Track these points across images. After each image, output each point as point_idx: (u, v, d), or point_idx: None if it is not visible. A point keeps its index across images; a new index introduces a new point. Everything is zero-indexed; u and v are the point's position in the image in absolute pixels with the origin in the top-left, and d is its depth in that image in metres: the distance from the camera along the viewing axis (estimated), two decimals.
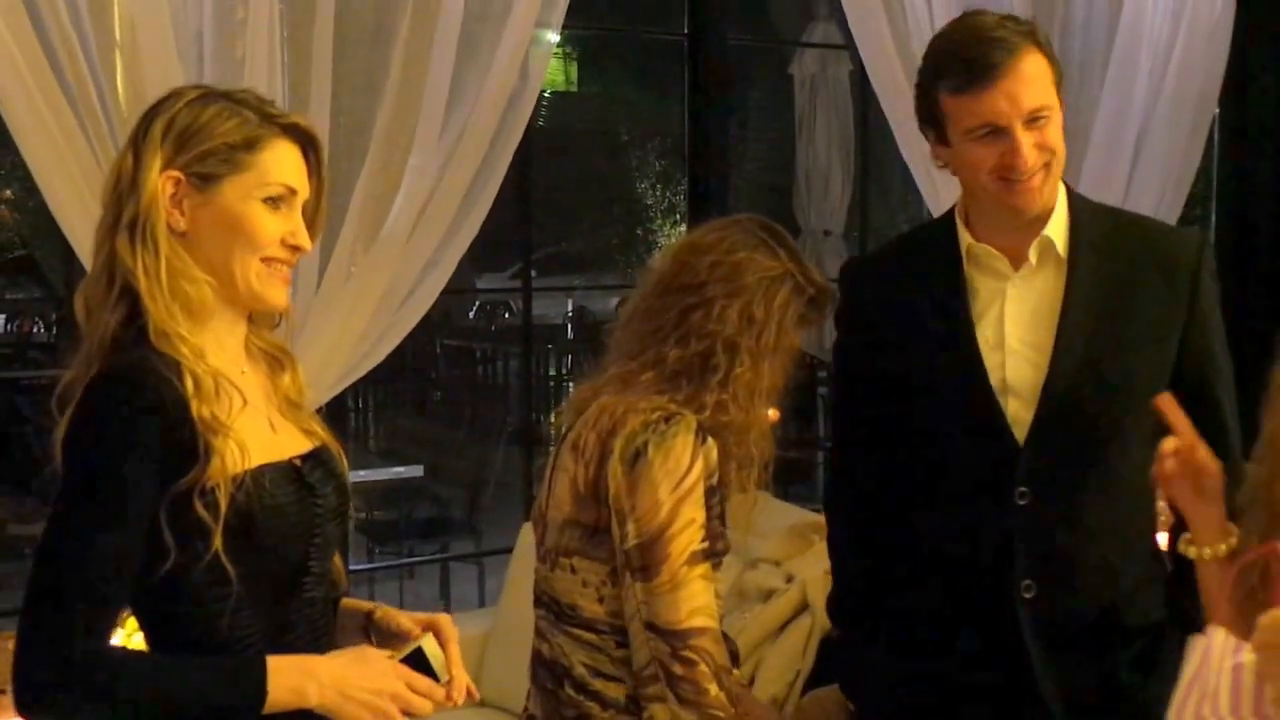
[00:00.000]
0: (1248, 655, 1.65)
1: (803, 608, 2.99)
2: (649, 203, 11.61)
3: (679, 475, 1.97)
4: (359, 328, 3.35)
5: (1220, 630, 1.73)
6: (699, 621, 1.98)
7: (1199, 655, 1.72)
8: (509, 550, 3.95)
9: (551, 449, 2.22)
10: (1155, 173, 4.31)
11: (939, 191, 4.02)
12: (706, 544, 2.00)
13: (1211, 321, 2.16)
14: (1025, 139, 2.02)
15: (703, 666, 1.98)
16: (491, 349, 9.33)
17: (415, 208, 3.38)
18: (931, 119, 2.11)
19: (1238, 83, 4.41)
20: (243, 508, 1.61)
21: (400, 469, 6.07)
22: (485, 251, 3.72)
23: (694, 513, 1.98)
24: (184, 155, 1.66)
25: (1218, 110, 4.48)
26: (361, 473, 5.84)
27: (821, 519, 2.83)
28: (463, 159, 3.43)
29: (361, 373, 3.44)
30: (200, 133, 1.67)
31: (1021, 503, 2.09)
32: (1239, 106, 4.55)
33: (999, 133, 2.03)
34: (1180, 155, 4.37)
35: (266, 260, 1.70)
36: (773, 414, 2.12)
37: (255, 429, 1.68)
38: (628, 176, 11.85)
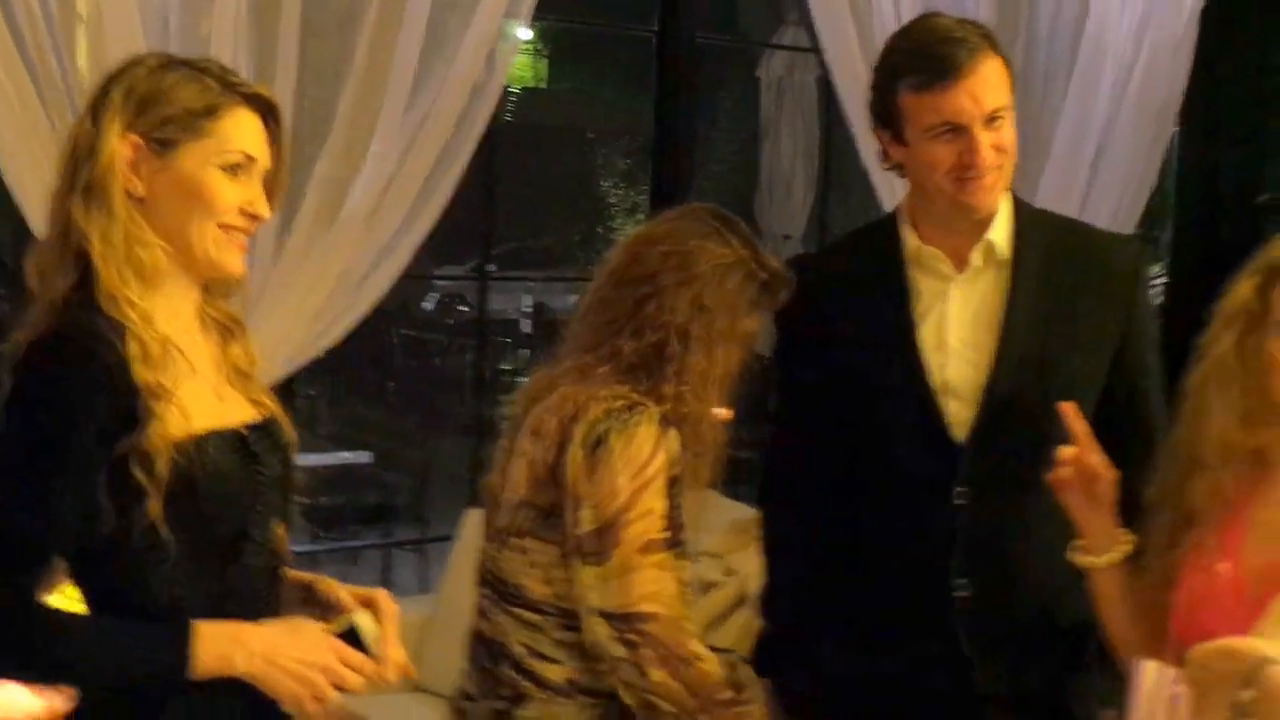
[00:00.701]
0: (1182, 686, 1.68)
1: (741, 600, 3.02)
2: (612, 201, 11.64)
3: (639, 464, 1.97)
4: (314, 308, 3.35)
5: (1150, 664, 1.75)
6: (649, 607, 1.98)
7: (1136, 688, 1.75)
8: (450, 538, 3.95)
9: (504, 435, 2.21)
10: (1113, 185, 4.36)
11: (899, 198, 4.05)
12: (668, 534, 2.00)
13: (1147, 328, 2.20)
14: (984, 139, 2.05)
15: (645, 650, 1.98)
16: (448, 341, 9.31)
17: (375, 193, 3.39)
18: (888, 118, 2.13)
19: (1198, 98, 4.46)
20: (184, 473, 1.61)
21: (348, 454, 6.06)
22: (445, 245, 3.73)
23: (654, 502, 1.98)
24: (144, 120, 1.66)
25: (1177, 126, 4.53)
26: (310, 457, 5.83)
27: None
28: (424, 147, 3.43)
29: (315, 353, 3.44)
30: (161, 98, 1.67)
31: (960, 502, 2.12)
32: (1199, 121, 4.61)
33: (958, 131, 2.06)
34: (1138, 169, 4.43)
35: (224, 227, 1.70)
36: (725, 413, 2.12)
37: (202, 396, 1.68)
38: (593, 174, 11.87)
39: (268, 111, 1.75)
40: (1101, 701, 2.13)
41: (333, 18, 3.33)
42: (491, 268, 6.85)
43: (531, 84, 12.49)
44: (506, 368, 8.58)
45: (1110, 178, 4.39)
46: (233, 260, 1.72)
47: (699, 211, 2.16)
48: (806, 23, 5.56)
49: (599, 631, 2.00)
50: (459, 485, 5.98)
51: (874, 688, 2.19)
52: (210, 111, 1.68)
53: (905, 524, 2.17)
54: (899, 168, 2.19)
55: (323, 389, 8.05)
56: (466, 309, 9.97)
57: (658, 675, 1.99)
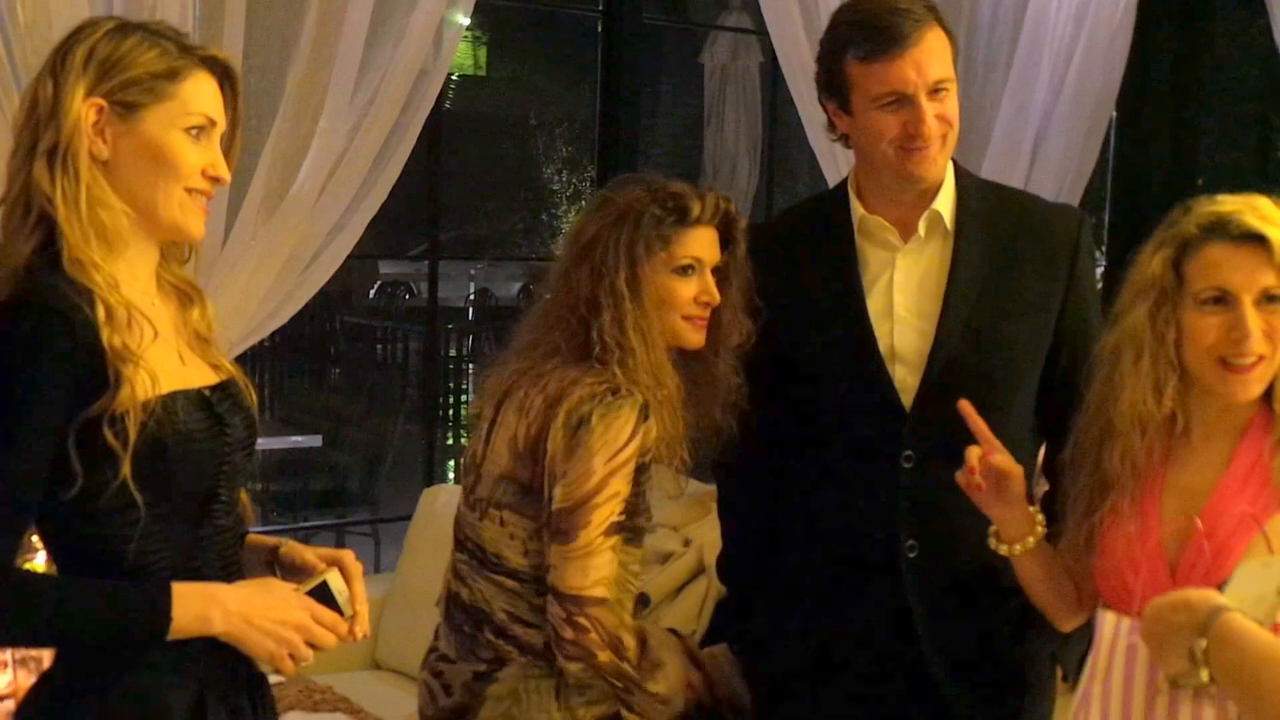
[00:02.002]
0: (1139, 637, 1.73)
1: (699, 571, 3.07)
2: (555, 188, 11.65)
3: (616, 447, 2.02)
4: (264, 287, 3.34)
5: (1108, 615, 1.79)
6: (599, 592, 2.04)
7: (1096, 638, 1.80)
8: (405, 518, 3.96)
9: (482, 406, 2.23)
10: (1052, 171, 4.44)
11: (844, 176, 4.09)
12: (624, 517, 2.06)
13: (1088, 293, 2.25)
14: (929, 108, 2.09)
15: (594, 635, 2.04)
16: (392, 328, 9.32)
17: (324, 170, 3.38)
18: (835, 88, 2.17)
19: (1135, 86, 4.54)
20: (153, 434, 1.62)
21: (299, 438, 6.05)
22: (386, 234, 3.73)
23: (620, 485, 2.04)
24: (106, 83, 1.66)
25: (1114, 112, 4.61)
26: (261, 441, 5.81)
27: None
28: (374, 124, 3.43)
29: (265, 333, 3.43)
30: (122, 61, 1.67)
31: (907, 466, 2.17)
32: (1135, 109, 4.69)
33: (904, 101, 2.10)
34: (1076, 155, 4.50)
35: (189, 190, 1.71)
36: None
37: (165, 359, 1.68)
38: (534, 161, 11.88)
39: (223, 74, 1.75)
40: (1052, 658, 2.17)
41: None
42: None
43: (471, 71, 12.45)
44: (452, 353, 8.58)
45: (1049, 165, 4.47)
46: (196, 223, 1.73)
47: (602, 191, 2.22)
48: (750, 7, 5.62)
49: (554, 611, 2.06)
50: (408, 468, 5.98)
51: (826, 648, 2.24)
52: (172, 74, 1.69)
53: (855, 488, 2.21)
54: (845, 139, 2.23)
55: (270, 374, 8.00)
56: (409, 297, 9.98)
57: (605, 657, 2.06)
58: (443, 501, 3.70)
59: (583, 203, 9.97)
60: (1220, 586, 1.75)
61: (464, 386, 8.17)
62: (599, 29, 4.46)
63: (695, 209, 2.13)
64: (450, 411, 7.65)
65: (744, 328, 2.19)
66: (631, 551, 2.12)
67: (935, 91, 2.11)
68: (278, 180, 3.32)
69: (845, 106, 2.17)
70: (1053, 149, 4.48)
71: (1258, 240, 1.86)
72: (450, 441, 7.34)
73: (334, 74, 3.33)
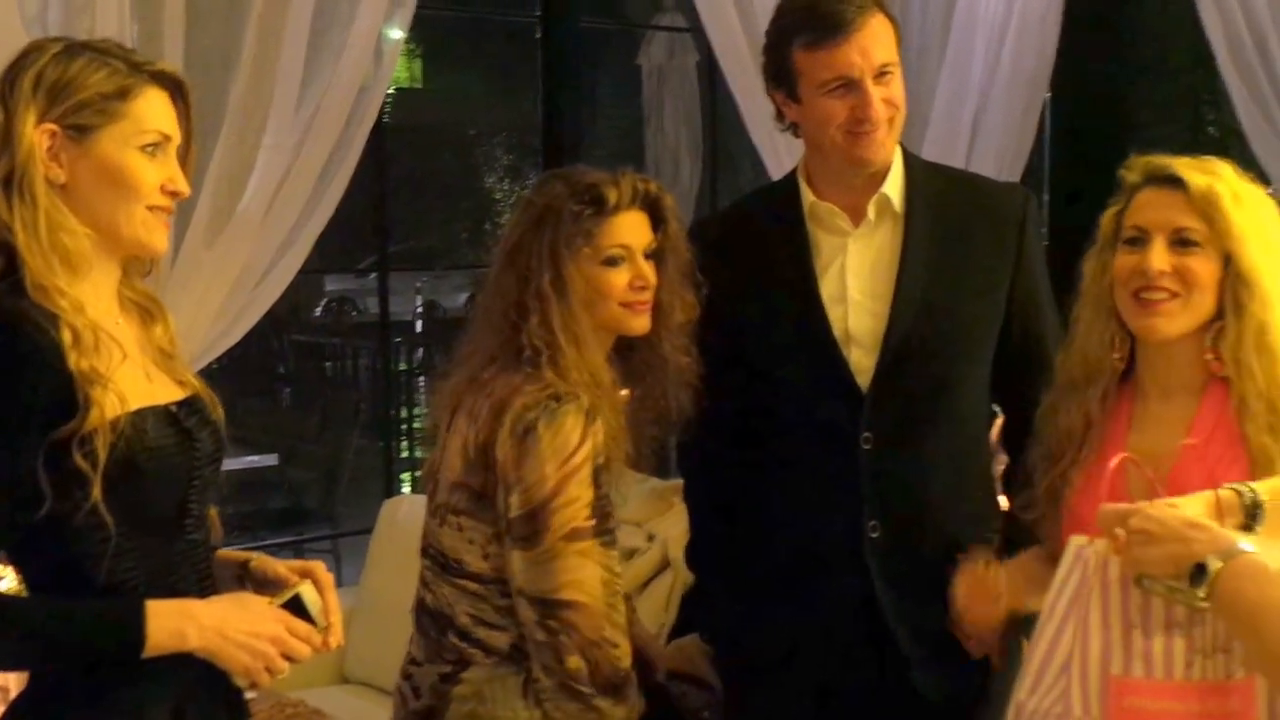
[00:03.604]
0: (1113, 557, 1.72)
1: (664, 565, 3.09)
2: (497, 197, 11.64)
3: (566, 452, 2.01)
4: (215, 305, 3.33)
5: (1076, 538, 1.79)
6: (571, 594, 2.03)
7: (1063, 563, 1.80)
8: (365, 532, 3.95)
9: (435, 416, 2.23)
10: (992, 151, 4.50)
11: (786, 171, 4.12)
12: (594, 521, 2.05)
13: (1037, 269, 2.29)
14: (875, 93, 2.13)
15: (563, 638, 2.03)
16: (340, 345, 9.27)
17: (270, 186, 3.38)
18: (782, 77, 2.20)
19: (1068, 64, 4.60)
20: (123, 452, 1.62)
21: (254, 458, 6.02)
22: (331, 250, 3.72)
23: (579, 491, 2.03)
24: (58, 107, 1.66)
25: (1049, 92, 4.68)
26: None
27: (680, 483, 2.90)
28: (318, 139, 3.43)
29: (219, 351, 3.42)
30: (72, 84, 1.66)
31: (866, 447, 2.20)
32: (1070, 87, 4.76)
33: (850, 86, 2.13)
34: (1015, 134, 4.57)
35: (150, 208, 1.71)
36: (624, 393, 2.16)
37: (132, 377, 1.68)
38: (475, 171, 11.87)
39: (175, 88, 1.75)
40: (1017, 632, 2.20)
41: (218, 8, 3.31)
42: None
43: (407, 84, 12.41)
44: (403, 367, 8.55)
45: (989, 145, 4.53)
46: (160, 238, 1.73)
47: (529, 190, 2.23)
48: (684, 7, 5.64)
49: (524, 613, 2.06)
50: (363, 483, 5.96)
51: (794, 632, 2.26)
52: (123, 93, 1.69)
53: (816, 470, 2.23)
54: (794, 128, 2.26)
55: (222, 396, 7.91)
56: (356, 313, 9.93)
57: (574, 663, 2.04)
58: (404, 513, 3.70)
59: None
60: None
61: (416, 399, 8.15)
62: (538, 34, 4.47)
63: (612, 197, 2.12)
64: (404, 425, 7.63)
65: (686, 304, 2.19)
66: (610, 554, 2.10)
67: (880, 75, 2.14)
68: (224, 198, 3.31)
69: (793, 95, 2.20)
70: (991, 130, 4.54)
71: (1178, 183, 1.91)
72: (405, 454, 7.32)
73: (276, 90, 3.33)
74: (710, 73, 5.21)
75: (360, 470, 6.27)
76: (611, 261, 2.12)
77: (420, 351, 9.15)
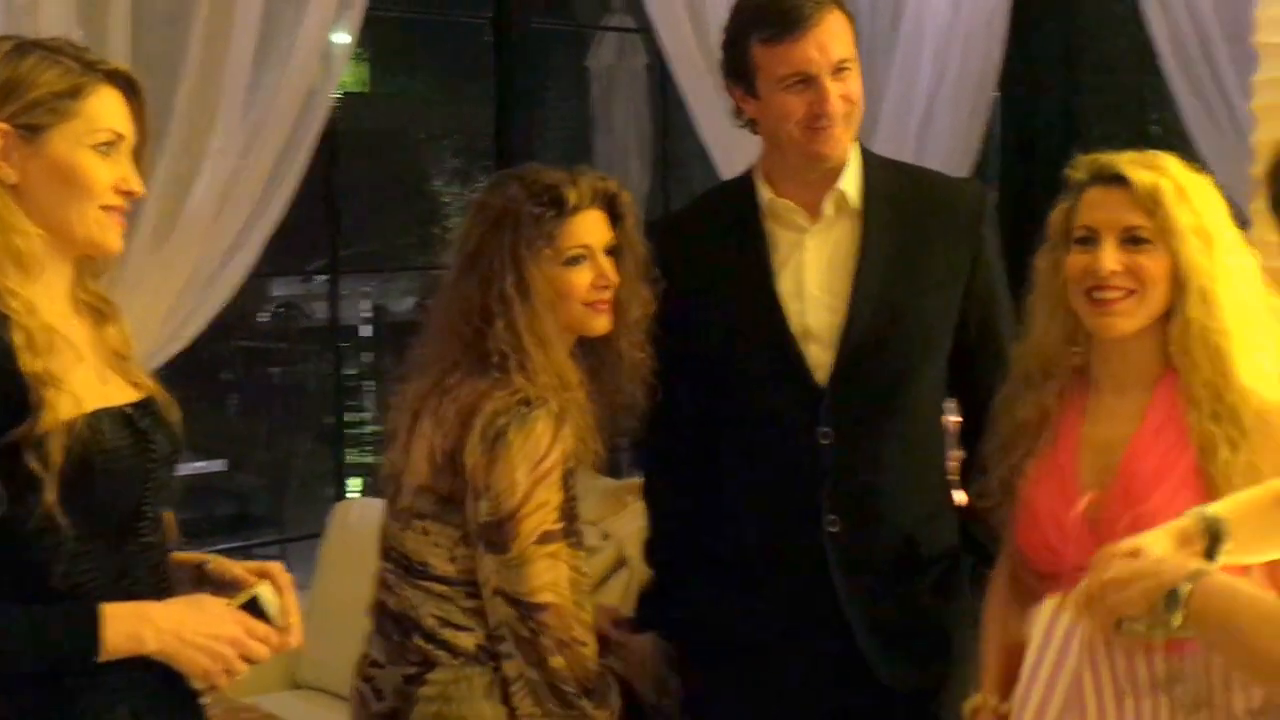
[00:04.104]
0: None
1: (620, 564, 3.10)
2: (445, 200, 11.61)
3: (537, 458, 2.03)
4: (163, 310, 3.30)
5: (1046, 603, 1.81)
6: (545, 597, 2.05)
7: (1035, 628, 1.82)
8: (313, 536, 3.93)
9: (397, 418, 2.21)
10: (940, 153, 4.53)
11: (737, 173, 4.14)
12: (562, 524, 2.07)
13: (994, 265, 2.31)
14: (833, 88, 2.14)
15: (544, 639, 2.05)
16: (287, 350, 9.22)
17: (218, 189, 3.35)
18: (740, 73, 2.21)
19: (1015, 65, 4.65)
20: (78, 454, 1.60)
21: (201, 463, 5.98)
22: (281, 256, 3.70)
23: (548, 495, 2.05)
24: (9, 107, 1.64)
25: (997, 92, 4.72)
26: None
27: (635, 482, 2.91)
28: (266, 140, 3.41)
29: (168, 355, 3.38)
30: (23, 83, 1.64)
31: (825, 442, 2.21)
32: (1018, 87, 4.80)
33: (808, 81, 2.15)
34: (962, 135, 4.61)
35: (104, 208, 1.69)
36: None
37: (86, 380, 1.66)
38: (424, 175, 11.83)
39: (128, 87, 1.73)
40: (975, 623, 2.22)
41: (163, 13, 3.28)
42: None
43: (354, 89, 12.36)
44: (352, 372, 8.51)
45: (937, 145, 4.57)
46: (114, 238, 1.72)
47: (482, 191, 2.22)
48: (633, 8, 5.64)
49: (503, 612, 2.07)
50: (310, 488, 5.94)
51: (753, 626, 2.27)
52: (75, 92, 1.67)
53: (775, 465, 2.25)
54: (752, 124, 2.27)
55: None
56: (303, 318, 9.87)
57: (557, 662, 2.06)
58: (355, 516, 3.69)
59: None
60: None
61: (364, 405, 8.11)
62: (490, 36, 4.46)
63: (572, 197, 2.12)
64: (354, 430, 7.59)
65: (643, 299, 2.19)
66: (578, 554, 2.12)
67: (838, 71, 2.16)
68: (172, 201, 3.27)
69: (751, 90, 2.21)
70: (939, 130, 4.58)
71: (1123, 182, 1.95)
72: (355, 460, 7.29)
73: (223, 94, 3.30)
74: (661, 75, 5.21)
75: (306, 475, 6.24)
76: (573, 261, 2.13)
77: (369, 356, 9.12)
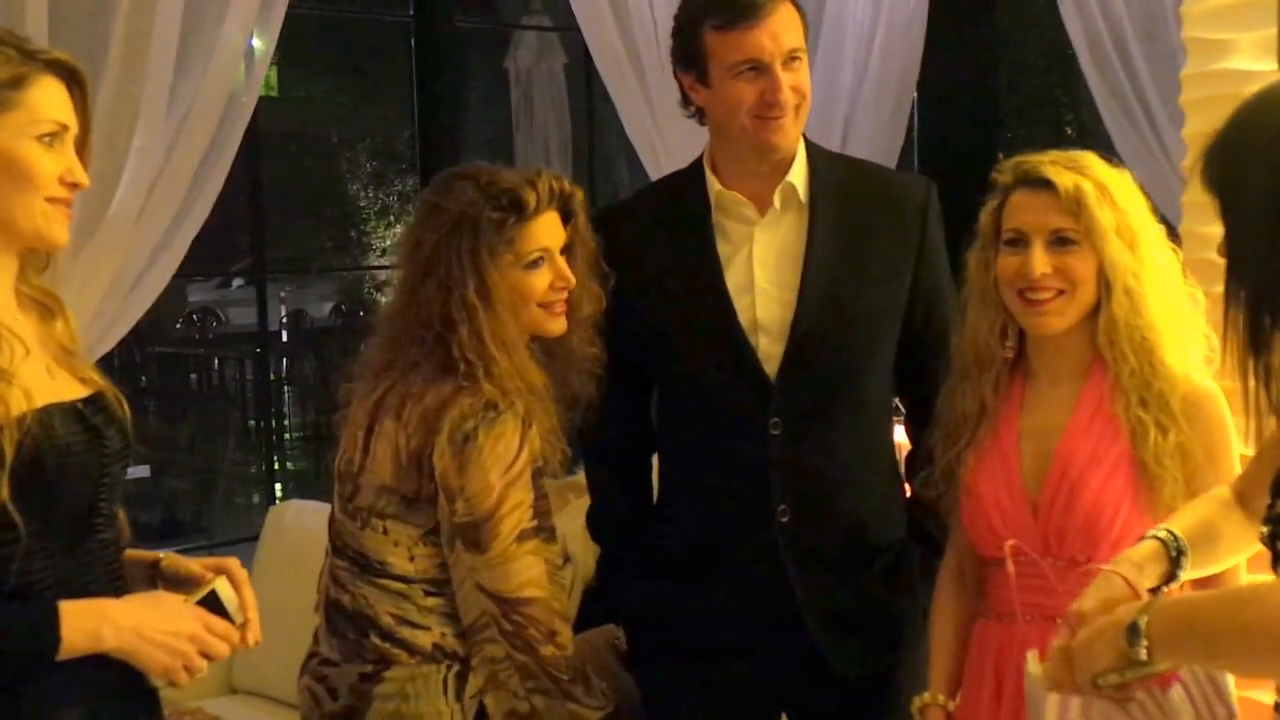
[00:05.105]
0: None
1: (565, 560, 3.06)
2: (362, 204, 11.51)
3: (508, 461, 2.04)
4: (88, 311, 3.23)
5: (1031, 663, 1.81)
6: (529, 592, 2.07)
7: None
8: (245, 540, 3.88)
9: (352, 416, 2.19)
10: (863, 151, 4.58)
11: (664, 171, 4.15)
12: (536, 522, 2.08)
13: (938, 257, 2.34)
14: (784, 78, 2.16)
15: (531, 631, 2.07)
16: (205, 356, 9.10)
17: (142, 189, 3.29)
18: (691, 59, 2.22)
19: (933, 67, 4.72)
20: (30, 451, 1.57)
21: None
22: (196, 260, 3.65)
23: (522, 495, 2.06)
24: None
25: (916, 93, 4.79)
26: None
27: (576, 480, 2.90)
28: (190, 140, 3.35)
29: (94, 357, 3.30)
30: None
31: (775, 433, 2.22)
32: (935, 89, 4.87)
33: (760, 70, 2.16)
34: (884, 135, 4.68)
35: (50, 200, 1.66)
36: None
37: (35, 375, 1.64)
38: (339, 179, 11.72)
39: (70, 77, 1.70)
40: (924, 613, 2.25)
41: (83, 8, 3.22)
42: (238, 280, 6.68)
43: (263, 92, 12.22)
44: (270, 377, 8.42)
45: (859, 146, 4.62)
46: (60, 231, 1.69)
47: (423, 195, 2.20)
48: (552, 10, 5.65)
49: (491, 609, 2.07)
50: (234, 494, 5.87)
51: (704, 616, 2.27)
52: (16, 82, 1.64)
53: (726, 456, 2.25)
54: (700, 114, 2.27)
55: None
56: (217, 324, 9.74)
57: (547, 650, 2.08)
58: (290, 519, 3.65)
59: (392, 217, 9.87)
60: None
61: (284, 410, 8.03)
62: (411, 36, 4.43)
63: (531, 201, 2.11)
64: (276, 436, 7.52)
65: (593, 296, 2.20)
66: (552, 548, 2.13)
67: (789, 61, 2.18)
68: (95, 201, 3.21)
69: (703, 78, 2.21)
70: (861, 130, 4.64)
71: (1048, 185, 2.00)
72: (277, 465, 7.22)
73: (144, 92, 3.24)
74: (585, 74, 5.22)
75: (230, 480, 6.18)
76: (534, 265, 2.12)
77: (285, 361, 9.03)
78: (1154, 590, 1.76)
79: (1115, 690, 1.61)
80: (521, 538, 2.07)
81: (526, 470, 2.06)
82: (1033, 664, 1.74)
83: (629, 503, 2.41)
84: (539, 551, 2.09)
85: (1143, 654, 1.55)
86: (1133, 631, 1.56)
